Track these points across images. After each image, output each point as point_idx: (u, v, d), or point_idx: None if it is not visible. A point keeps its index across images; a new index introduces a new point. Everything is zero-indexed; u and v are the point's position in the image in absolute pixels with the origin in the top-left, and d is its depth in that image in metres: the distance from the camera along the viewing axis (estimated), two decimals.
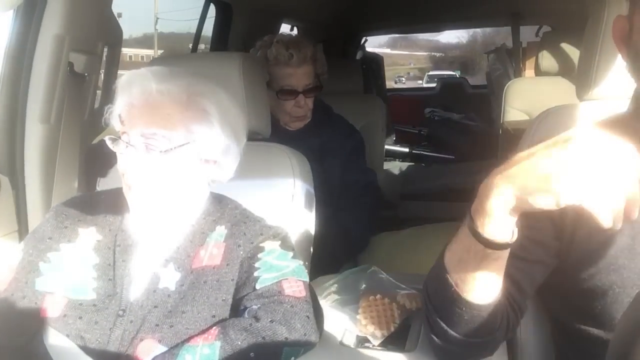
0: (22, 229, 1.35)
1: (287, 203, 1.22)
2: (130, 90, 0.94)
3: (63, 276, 0.96)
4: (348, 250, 1.77)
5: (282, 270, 0.96)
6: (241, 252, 0.98)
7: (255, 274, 0.95)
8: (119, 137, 0.95)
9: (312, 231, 1.29)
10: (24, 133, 1.35)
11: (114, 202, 1.04)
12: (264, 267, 0.96)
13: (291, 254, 1.01)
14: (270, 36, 1.81)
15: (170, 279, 0.95)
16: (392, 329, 0.97)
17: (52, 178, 1.35)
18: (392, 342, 0.96)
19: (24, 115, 1.34)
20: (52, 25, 1.31)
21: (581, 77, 1.03)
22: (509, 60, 3.81)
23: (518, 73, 3.53)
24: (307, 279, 1.00)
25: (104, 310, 0.93)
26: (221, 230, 1.01)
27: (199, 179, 1.01)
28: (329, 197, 1.70)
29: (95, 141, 1.55)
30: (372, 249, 1.90)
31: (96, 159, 1.39)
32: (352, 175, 1.81)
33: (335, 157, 1.79)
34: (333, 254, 1.64)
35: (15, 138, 1.35)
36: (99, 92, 1.60)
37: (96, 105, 1.60)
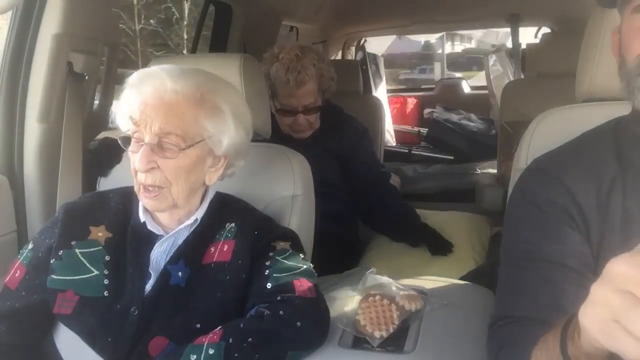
0: (21, 229, 1.35)
1: (287, 203, 1.22)
2: (143, 88, 0.93)
3: (74, 274, 0.95)
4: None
5: (293, 270, 0.97)
6: (251, 249, 0.98)
7: (267, 272, 0.96)
8: (131, 136, 0.94)
9: (312, 232, 1.29)
10: (23, 133, 1.35)
11: (123, 200, 1.04)
12: (275, 266, 0.97)
13: (302, 255, 1.02)
14: (276, 50, 1.79)
15: (181, 276, 0.95)
16: (391, 330, 0.97)
17: (53, 178, 1.35)
18: (390, 343, 0.96)
19: (23, 115, 1.35)
20: (51, 24, 1.31)
21: (580, 78, 1.03)
22: (509, 61, 3.81)
23: (518, 74, 3.53)
24: (317, 282, 1.00)
25: (115, 307, 0.93)
26: (231, 227, 1.01)
27: (211, 175, 1.01)
28: (341, 193, 1.85)
29: (94, 141, 1.55)
30: (372, 249, 1.90)
31: (96, 159, 1.39)
32: (370, 168, 1.93)
33: (355, 161, 1.88)
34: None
35: (14, 138, 1.35)
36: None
37: (95, 106, 1.60)
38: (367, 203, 1.90)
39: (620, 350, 0.42)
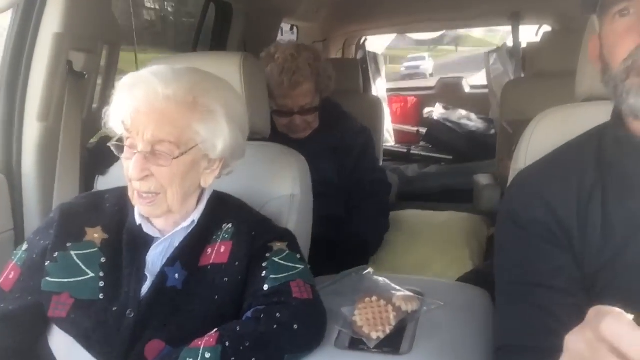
0: (18, 228, 1.35)
1: (286, 203, 1.21)
2: (134, 93, 0.91)
3: (70, 276, 0.94)
4: (362, 252, 1.74)
5: (290, 271, 0.96)
6: (249, 250, 0.97)
7: (264, 273, 0.95)
8: (123, 143, 0.93)
9: (310, 231, 1.29)
10: (21, 131, 1.35)
11: (119, 202, 1.03)
12: (272, 267, 0.96)
13: (298, 256, 1.01)
14: (272, 50, 1.75)
15: (177, 278, 0.94)
16: (388, 331, 0.97)
17: (51, 177, 1.35)
18: (387, 344, 0.95)
19: (22, 114, 1.35)
20: (51, 24, 1.31)
21: (580, 77, 1.03)
22: (509, 60, 3.80)
23: (518, 73, 3.52)
24: (314, 283, 0.99)
25: (111, 310, 0.92)
26: (227, 228, 1.00)
27: (206, 177, 1.00)
28: (342, 195, 1.77)
29: (93, 140, 1.55)
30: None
31: (94, 158, 1.39)
32: (363, 173, 1.82)
33: (348, 156, 1.79)
34: (345, 254, 1.64)
35: (13, 136, 1.35)
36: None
37: (94, 105, 1.60)
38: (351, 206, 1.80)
39: None
